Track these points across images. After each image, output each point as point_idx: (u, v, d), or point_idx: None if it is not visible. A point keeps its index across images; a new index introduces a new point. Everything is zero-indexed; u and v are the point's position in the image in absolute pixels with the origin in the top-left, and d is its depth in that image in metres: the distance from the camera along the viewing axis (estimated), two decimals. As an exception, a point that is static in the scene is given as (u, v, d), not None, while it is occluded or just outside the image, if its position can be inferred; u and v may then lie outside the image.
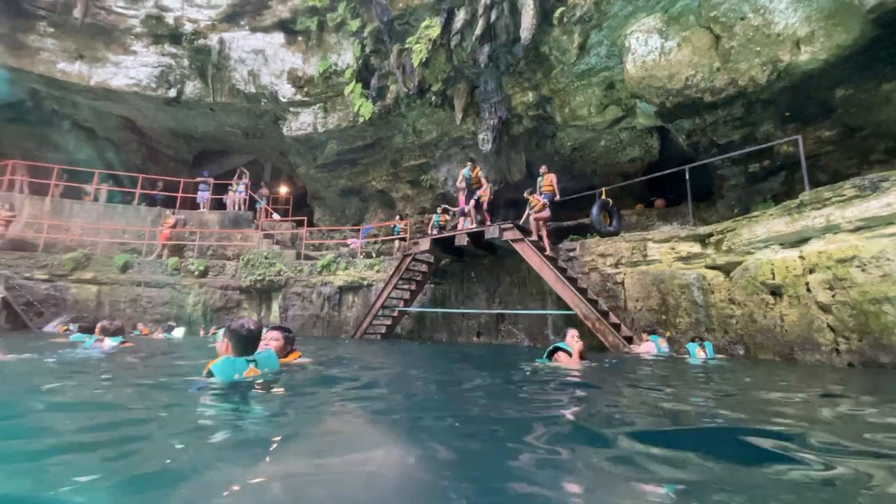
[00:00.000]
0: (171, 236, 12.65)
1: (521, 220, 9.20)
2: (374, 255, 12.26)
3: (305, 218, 14.82)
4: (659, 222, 9.69)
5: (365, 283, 11.07)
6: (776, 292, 5.99)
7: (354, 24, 11.86)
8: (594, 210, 8.87)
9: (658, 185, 10.20)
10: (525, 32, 8.89)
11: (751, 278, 6.27)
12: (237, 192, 14.62)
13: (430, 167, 13.23)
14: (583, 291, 7.79)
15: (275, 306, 11.66)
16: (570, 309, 7.69)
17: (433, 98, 11.25)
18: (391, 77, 11.69)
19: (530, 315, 9.06)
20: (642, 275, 7.67)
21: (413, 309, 10.57)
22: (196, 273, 11.72)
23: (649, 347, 6.50)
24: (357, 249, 12.86)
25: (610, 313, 7.67)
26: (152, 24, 13.57)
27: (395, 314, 10.42)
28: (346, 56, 12.46)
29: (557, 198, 9.44)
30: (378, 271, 11.08)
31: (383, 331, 10.27)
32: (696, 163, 8.44)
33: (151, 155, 16.29)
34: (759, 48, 7.17)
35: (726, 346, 6.53)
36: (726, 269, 6.69)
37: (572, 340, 4.64)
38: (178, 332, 9.52)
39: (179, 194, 13.89)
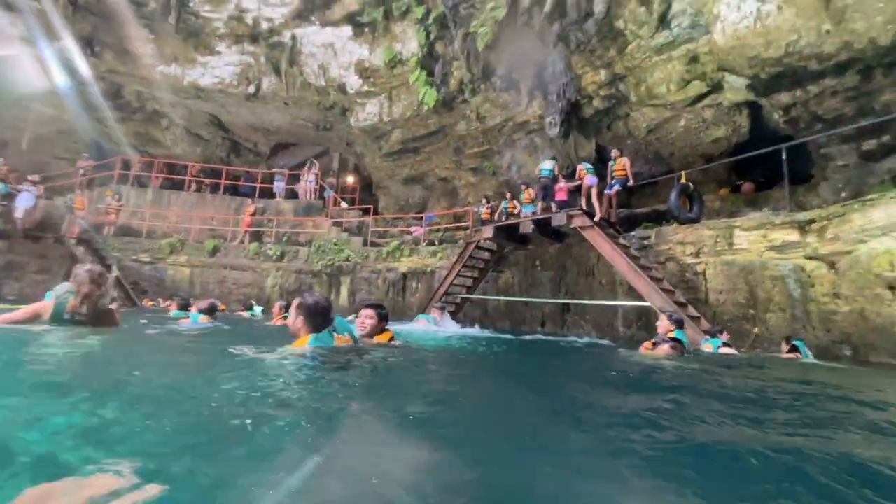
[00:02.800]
0: (252, 223, 13.65)
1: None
2: (436, 243, 12.39)
3: (371, 206, 15.29)
4: (746, 208, 8.82)
5: (428, 269, 11.24)
6: (895, 286, 5.22)
7: (419, 12, 11.87)
8: (673, 195, 8.25)
9: (746, 167, 9.28)
10: (599, 6, 8.39)
11: (863, 270, 5.51)
12: (308, 182, 15.40)
13: (493, 154, 13.04)
14: (657, 282, 7.32)
15: (343, 290, 12.21)
16: (642, 300, 7.27)
17: (498, 82, 11.02)
18: (455, 63, 11.61)
19: (599, 306, 8.70)
20: (727, 265, 7.04)
21: (476, 296, 10.57)
22: (273, 257, 12.55)
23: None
24: (420, 237, 13.06)
25: (689, 305, 7.14)
26: (233, 25, 14.52)
27: (458, 301, 10.48)
28: (411, 44, 12.53)
29: (631, 182, 8.91)
30: (441, 258, 11.19)
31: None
32: (796, 141, 7.54)
33: (234, 148, 17.59)
34: (881, 4, 6.18)
35: (828, 346, 5.83)
36: (830, 260, 5.94)
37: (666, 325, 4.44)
38: (257, 310, 10.29)
39: (258, 184, 14.91)
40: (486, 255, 10.50)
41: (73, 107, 14.90)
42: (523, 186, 10.79)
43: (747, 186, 9.69)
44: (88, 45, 13.78)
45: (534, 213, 9.68)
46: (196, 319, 5.14)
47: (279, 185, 15.44)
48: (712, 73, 8.49)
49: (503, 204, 10.80)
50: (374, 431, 1.32)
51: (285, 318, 5.96)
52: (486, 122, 12.27)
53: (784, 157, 7.13)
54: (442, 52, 11.88)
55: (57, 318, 3.27)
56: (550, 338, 8.26)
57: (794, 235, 6.45)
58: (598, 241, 7.87)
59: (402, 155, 14.64)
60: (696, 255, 7.46)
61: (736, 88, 8.16)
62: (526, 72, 10.60)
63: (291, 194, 15.58)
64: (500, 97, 11.48)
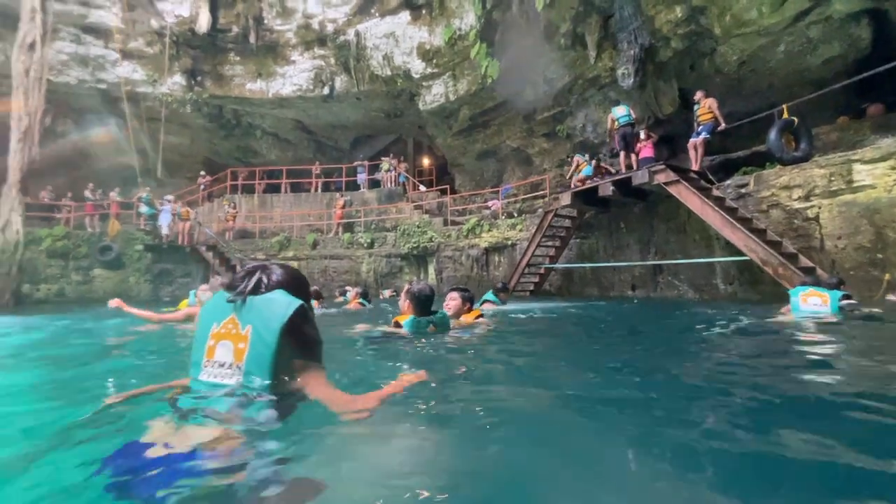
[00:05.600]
0: (343, 215, 14.86)
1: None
2: (515, 215, 12.44)
3: (448, 186, 15.69)
4: (874, 135, 7.56)
5: (509, 242, 11.39)
6: None
7: (473, -18, 11.65)
8: (772, 134, 7.35)
9: (871, 87, 7.88)
10: (666, -64, 7.57)
11: None
12: (388, 172, 16.23)
13: (566, 115, 12.55)
14: (759, 233, 6.72)
15: (430, 269, 12.89)
16: (742, 254, 6.74)
17: (562, 41, 10.52)
18: (515, 29, 11.26)
19: (694, 264, 8.21)
20: (846, 206, 6.23)
21: (560, 265, 10.54)
22: (365, 245, 13.62)
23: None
24: (498, 210, 13.19)
25: (799, 255, 6.48)
26: (303, 33, 15.53)
27: (542, 271, 10.54)
28: (468, 18, 12.39)
29: (722, 126, 8.11)
30: (521, 230, 11.26)
31: (531, 288, 10.52)
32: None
33: (319, 148, 19.03)
34: None
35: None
36: None
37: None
38: (348, 296, 11.19)
39: (343, 178, 16.08)
40: (567, 222, 10.35)
41: (188, 132, 17.25)
42: (574, 159, 10.54)
43: (875, 109, 8.23)
44: (192, 76, 15.75)
45: (609, 174, 9.27)
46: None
47: (362, 177, 16.50)
48: (817, -17, 7.27)
49: (586, 168, 10.32)
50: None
51: (361, 303, 6.69)
52: (554, 84, 11.82)
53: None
54: (500, 19, 11.59)
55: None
56: (635, 300, 8.03)
57: (933, 163, 5.49)
58: (686, 195, 7.38)
59: (472, 131, 14.72)
60: (806, 198, 6.68)
61: (849, -4, 6.92)
62: (590, 24, 9.97)
63: (374, 184, 16.55)
64: (565, 56, 10.96)
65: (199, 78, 15.90)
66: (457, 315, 3.75)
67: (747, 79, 9.21)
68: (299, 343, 1.26)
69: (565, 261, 10.64)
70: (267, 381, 1.19)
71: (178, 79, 15.59)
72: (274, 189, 17.05)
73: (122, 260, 12.95)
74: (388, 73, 14.48)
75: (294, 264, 13.79)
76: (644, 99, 10.47)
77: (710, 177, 8.07)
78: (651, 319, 5.91)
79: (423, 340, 2.88)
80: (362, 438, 1.19)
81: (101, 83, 14.97)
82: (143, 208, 14.90)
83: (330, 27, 15.09)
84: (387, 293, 11.24)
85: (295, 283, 1.37)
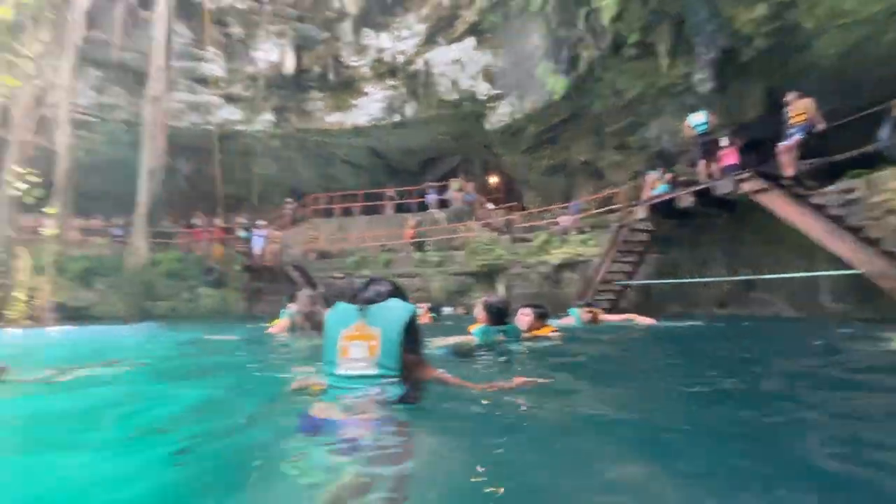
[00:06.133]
0: (414, 235, 15.47)
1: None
2: (587, 231, 12.14)
3: (516, 203, 15.72)
4: None
5: (581, 258, 11.12)
6: None
7: (536, 3, 11.84)
8: (884, 132, 6.57)
9: None
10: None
11: None
12: (454, 191, 16.67)
13: (639, 126, 12.13)
14: (873, 244, 5.97)
15: (500, 287, 12.92)
16: (850, 268, 6.03)
17: (632, 52, 10.28)
18: (581, 44, 11.22)
19: (792, 279, 7.46)
20: None
21: (637, 282, 10.06)
22: (435, 263, 14.02)
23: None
24: (568, 226, 12.95)
25: (925, 269, 5.65)
26: (376, 66, 16.68)
27: (618, 288, 10.12)
28: (533, 37, 12.57)
29: (821, 126, 7.39)
30: (593, 246, 10.95)
31: (607, 306, 10.12)
32: None
33: (391, 172, 20.07)
34: None
35: None
36: None
37: None
38: (447, 310, 11.29)
39: (414, 200, 16.78)
40: (643, 236, 9.90)
41: (276, 163, 19.10)
42: (647, 177, 10.06)
43: None
44: (280, 113, 17.52)
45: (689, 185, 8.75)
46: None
47: (431, 198, 17.09)
48: (932, -38, 6.47)
49: (659, 187, 9.90)
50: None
51: (433, 317, 6.96)
52: (624, 95, 11.52)
53: None
54: (565, 36, 11.61)
55: (292, 332, 4.80)
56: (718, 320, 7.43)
57: None
58: (780, 204, 6.79)
59: (539, 147, 14.71)
60: (932, 202, 5.85)
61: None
62: (661, 32, 9.66)
63: (443, 204, 17.05)
64: (635, 66, 10.67)
65: (285, 114, 17.62)
66: (528, 330, 3.83)
67: (848, 73, 8.33)
68: (413, 339, 1.62)
69: (643, 277, 10.14)
70: (396, 371, 1.55)
71: (269, 116, 17.41)
72: (351, 212, 18.20)
73: (223, 279, 14.53)
74: (455, 96, 15.02)
75: (369, 282, 14.62)
76: (725, 103, 9.84)
77: (808, 182, 7.35)
78: (751, 337, 5.47)
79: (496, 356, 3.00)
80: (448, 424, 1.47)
81: (208, 125, 17.16)
82: (241, 233, 16.65)
83: (400, 59, 16.07)
84: (458, 310, 11.44)
85: (399, 292, 1.74)
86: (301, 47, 17.13)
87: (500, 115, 14.30)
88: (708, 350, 4.36)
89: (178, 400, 2.15)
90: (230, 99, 17.32)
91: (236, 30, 17.07)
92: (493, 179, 20.15)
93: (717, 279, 8.65)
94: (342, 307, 1.68)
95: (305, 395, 1.77)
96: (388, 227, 16.60)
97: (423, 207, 17.31)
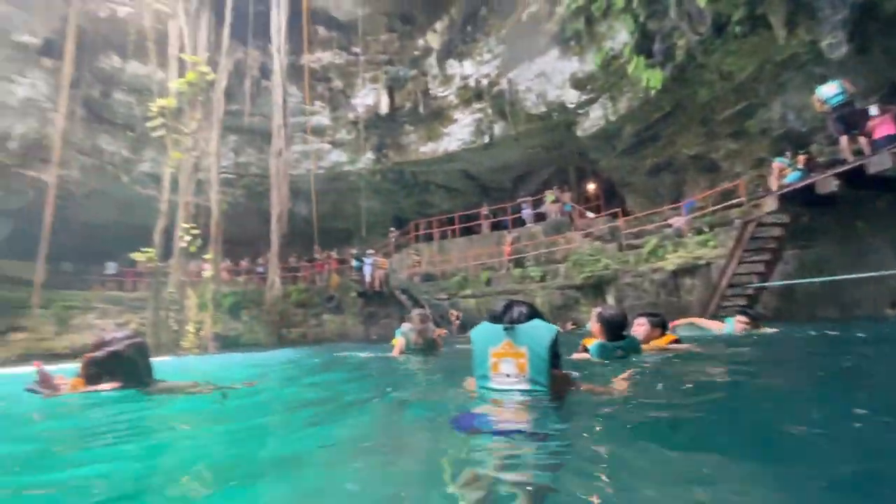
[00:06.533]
0: (512, 251, 15.45)
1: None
2: (705, 230, 11.03)
3: (619, 209, 14.90)
4: None
5: (702, 262, 10.11)
6: None
7: (620, 2, 11.40)
8: None
9: None
10: None
11: None
12: (550, 203, 16.36)
13: (756, 108, 10.83)
14: None
15: (609, 299, 12.23)
16: None
17: (737, 29, 9.32)
18: (676, 33, 10.49)
19: None
20: None
21: (776, 283, 8.82)
22: (536, 278, 13.81)
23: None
24: (682, 228, 11.89)
25: None
26: (462, 93, 17.35)
27: (751, 292, 8.96)
28: (620, 36, 12.06)
29: None
30: (714, 247, 9.90)
31: (738, 312, 9.00)
32: None
33: (484, 191, 20.45)
34: None
35: None
36: None
37: None
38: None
39: (509, 216, 16.83)
40: (776, 231, 8.70)
41: (378, 196, 20.67)
42: (774, 165, 8.78)
43: None
44: (379, 150, 19.05)
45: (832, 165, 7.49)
46: None
47: (527, 212, 17.00)
48: None
49: (794, 175, 8.67)
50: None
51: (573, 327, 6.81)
52: (734, 77, 10.43)
53: None
54: (656, 28, 10.97)
55: (407, 349, 5.15)
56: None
57: None
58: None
59: (639, 147, 13.88)
60: None
61: None
62: (772, 2, 8.61)
63: (540, 217, 16.84)
64: (744, 44, 9.63)
65: (384, 151, 19.10)
66: (646, 341, 3.61)
67: None
68: (556, 356, 1.75)
69: (781, 277, 8.86)
70: (545, 386, 1.70)
71: (370, 155, 19.02)
72: (451, 234, 18.85)
73: (341, 306, 15.97)
74: (543, 109, 14.94)
75: (472, 301, 14.86)
76: (868, 66, 8.35)
77: None
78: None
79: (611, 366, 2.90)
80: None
81: (320, 169, 19.30)
82: (353, 262, 18.23)
83: (485, 82, 16.53)
84: (567, 326, 11.12)
85: (538, 313, 1.87)
86: (392, 88, 18.56)
87: (593, 120, 13.85)
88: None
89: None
90: (336, 144, 19.33)
91: (337, 83, 19.13)
92: (591, 187, 19.39)
93: (885, 273, 7.19)
94: (488, 326, 1.84)
95: (464, 397, 2.00)
96: (485, 245, 16.85)
97: (519, 223, 17.27)
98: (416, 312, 5.49)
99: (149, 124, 14.50)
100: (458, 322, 13.90)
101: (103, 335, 2.60)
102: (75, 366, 2.88)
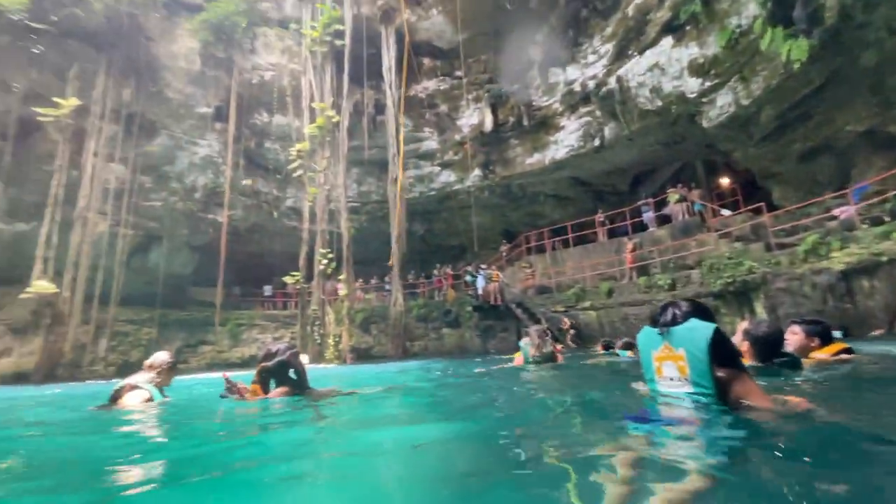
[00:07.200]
0: (635, 259, 14.41)
1: None
2: (886, 220, 9.04)
3: (763, 203, 12.99)
4: None
5: (883, 259, 8.28)
6: None
7: (748, -29, 10.15)
8: None
9: None
10: None
11: None
12: (674, 203, 14.92)
13: (952, 63, 8.65)
14: None
15: (758, 307, 10.65)
16: None
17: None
18: (824, -8, 8.96)
19: None
20: None
21: None
22: (665, 287, 12.65)
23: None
24: (852, 218, 9.90)
25: None
26: (567, 99, 16.94)
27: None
28: (748, 9, 10.71)
29: None
30: (902, 239, 8.06)
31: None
32: None
33: (597, 197, 19.52)
34: None
35: None
36: None
37: None
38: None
39: (628, 221, 15.76)
40: None
41: (487, 211, 21.05)
42: None
43: None
44: (485, 167, 19.47)
45: None
46: (624, 355, 6.18)
47: (648, 216, 15.75)
48: None
49: None
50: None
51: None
52: (915, 30, 8.49)
53: None
54: (797, -9, 9.49)
55: (526, 360, 5.40)
56: None
57: None
58: None
59: (783, 131, 12.02)
60: None
61: None
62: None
63: (663, 220, 15.48)
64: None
65: (490, 167, 19.46)
66: (802, 353, 3.05)
67: None
68: (722, 356, 1.63)
69: None
70: (710, 389, 1.61)
71: (477, 172, 19.55)
72: (563, 245, 18.31)
73: (459, 320, 16.50)
74: (659, 104, 13.84)
75: (592, 314, 14.16)
76: None
77: None
78: None
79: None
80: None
81: (431, 191, 20.42)
82: (467, 278, 18.76)
83: (591, 84, 15.93)
84: (565, 324, 10.02)
85: (701, 311, 1.77)
86: (496, 104, 18.92)
87: (721, 108, 12.41)
88: None
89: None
90: (445, 165, 20.28)
91: (443, 107, 20.16)
92: (725, 181, 17.23)
93: None
94: (647, 331, 1.87)
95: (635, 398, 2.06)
96: (602, 254, 16.01)
97: (640, 228, 16.07)
98: (534, 328, 5.72)
99: (290, 166, 17.03)
100: (571, 332, 13.42)
101: (269, 347, 3.22)
102: (249, 373, 3.59)
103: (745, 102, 11.75)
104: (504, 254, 20.13)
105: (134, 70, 16.17)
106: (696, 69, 12.55)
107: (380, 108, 19.56)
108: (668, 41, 13.28)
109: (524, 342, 5.74)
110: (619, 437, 1.59)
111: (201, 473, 1.55)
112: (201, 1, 17.99)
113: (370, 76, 18.74)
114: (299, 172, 16.98)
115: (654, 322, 1.81)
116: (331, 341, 14.00)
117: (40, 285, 12.98)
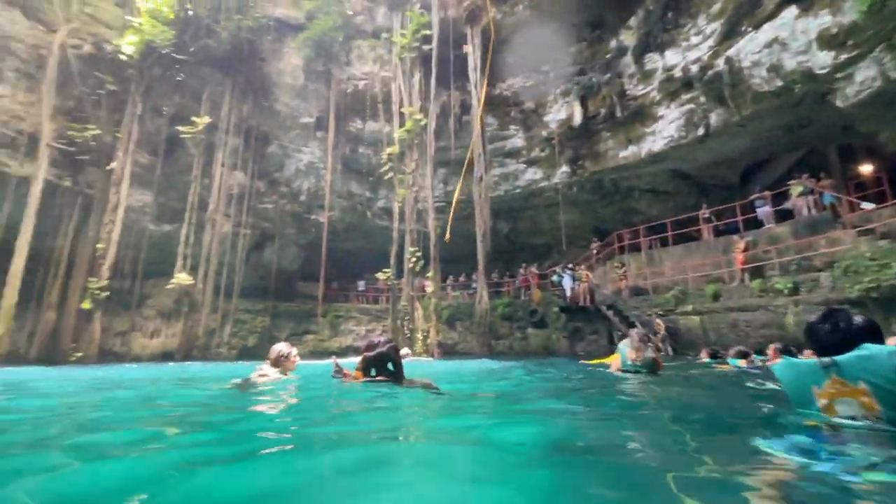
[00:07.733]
0: (747, 259, 12.91)
1: None
2: None
3: (917, 193, 10.88)
4: None
5: None
6: None
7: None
8: None
9: None
10: None
11: None
12: (797, 196, 13.06)
13: None
14: None
15: (911, 318, 8.95)
16: None
17: None
18: None
19: None
20: None
21: None
22: (785, 291, 11.17)
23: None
24: None
25: None
26: (666, 86, 15.67)
27: None
28: (903, -38, 9.00)
29: None
30: None
31: None
32: None
33: (701, 191, 17.81)
34: None
35: None
36: None
37: None
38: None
39: (739, 217, 14.17)
40: None
41: (576, 208, 20.29)
42: None
43: None
44: (574, 162, 18.78)
45: None
46: (735, 363, 5.64)
47: (763, 210, 13.98)
48: None
49: None
50: None
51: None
52: None
53: None
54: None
55: (623, 365, 5.10)
56: None
57: None
58: None
59: (949, 105, 9.92)
60: None
61: None
62: None
63: (783, 215, 13.67)
64: None
65: (579, 162, 18.72)
66: None
67: None
68: None
69: None
70: None
71: (565, 168, 18.92)
72: (661, 243, 17.01)
73: (545, 320, 16.17)
74: (779, 83, 12.23)
75: (694, 319, 12.98)
76: None
77: None
78: None
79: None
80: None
81: (516, 189, 20.19)
82: (554, 277, 18.30)
83: (694, 68, 14.57)
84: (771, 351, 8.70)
85: (873, 332, 1.52)
86: (585, 97, 18.13)
87: (862, 84, 10.63)
88: None
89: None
90: (530, 162, 19.93)
91: (528, 104, 19.83)
92: (866, 169, 14.68)
93: None
94: (795, 363, 1.58)
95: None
96: (707, 254, 14.57)
97: (753, 224, 14.35)
98: (635, 331, 5.45)
99: (381, 169, 18.05)
100: (662, 333, 12.46)
101: (372, 339, 3.50)
102: (354, 360, 3.96)
103: (894, 75, 9.92)
104: (595, 252, 19.25)
105: (251, 88, 18.35)
106: (828, 41, 10.87)
107: (465, 108, 19.82)
108: (790, 12, 11.67)
109: (623, 343, 5.49)
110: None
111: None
112: (304, 20, 19.80)
113: (456, 77, 19.09)
114: (390, 175, 17.91)
115: (821, 349, 1.50)
116: (419, 336, 14.61)
117: (181, 277, 15.34)
